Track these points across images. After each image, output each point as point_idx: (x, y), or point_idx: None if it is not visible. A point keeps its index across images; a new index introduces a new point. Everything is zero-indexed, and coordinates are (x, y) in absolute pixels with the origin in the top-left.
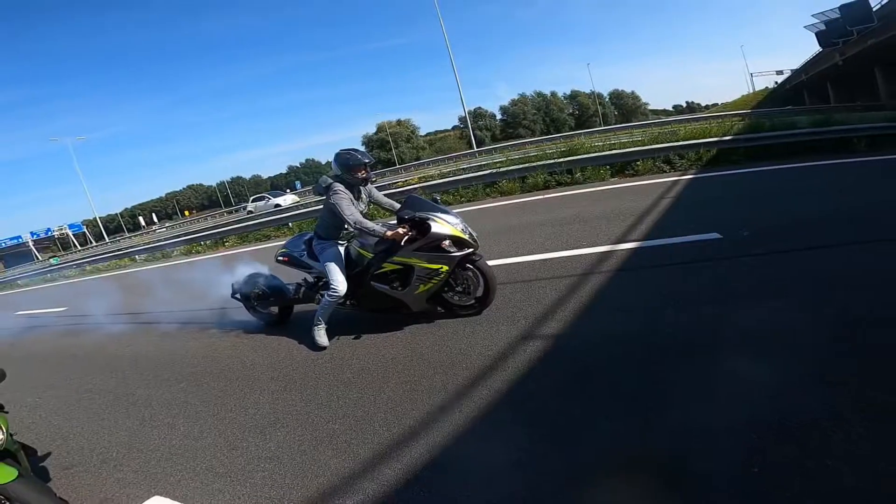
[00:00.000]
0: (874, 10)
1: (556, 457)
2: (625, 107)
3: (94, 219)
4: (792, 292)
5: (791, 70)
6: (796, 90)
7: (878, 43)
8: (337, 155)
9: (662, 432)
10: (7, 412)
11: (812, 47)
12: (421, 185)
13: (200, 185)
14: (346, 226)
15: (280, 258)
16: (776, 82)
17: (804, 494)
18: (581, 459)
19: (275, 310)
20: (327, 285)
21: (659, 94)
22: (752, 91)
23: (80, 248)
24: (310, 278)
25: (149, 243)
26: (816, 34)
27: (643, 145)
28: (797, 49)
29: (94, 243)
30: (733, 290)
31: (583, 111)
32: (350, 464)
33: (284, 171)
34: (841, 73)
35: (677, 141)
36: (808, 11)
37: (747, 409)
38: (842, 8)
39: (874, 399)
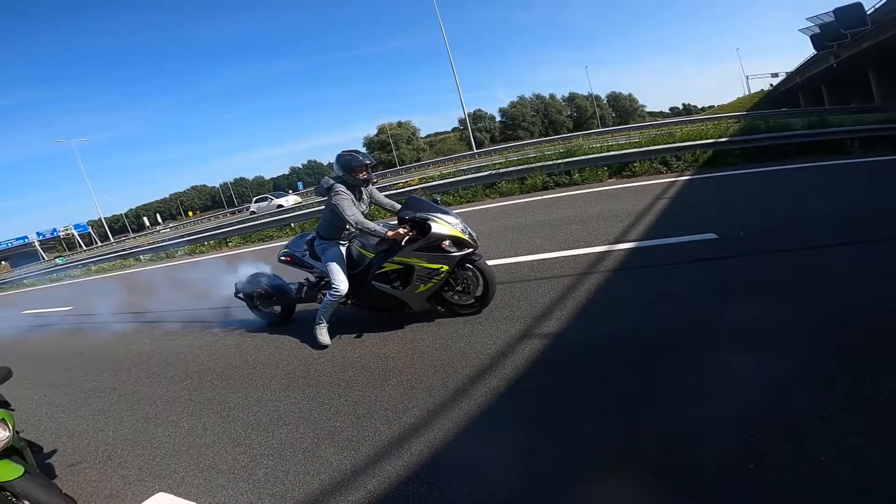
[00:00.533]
0: (868, 13)
1: (555, 452)
2: (622, 109)
3: (99, 219)
4: (787, 291)
5: (786, 73)
6: (791, 92)
7: (872, 46)
8: (338, 156)
9: (658, 429)
10: (13, 410)
11: (807, 50)
12: (421, 185)
13: (204, 185)
14: (347, 226)
15: (282, 258)
16: (771, 84)
17: (799, 490)
18: (579, 455)
19: (277, 309)
20: (329, 285)
21: (656, 96)
22: (747, 93)
23: (85, 248)
24: (312, 278)
25: (153, 243)
26: (811, 37)
27: (640, 147)
28: (792, 52)
29: (100, 243)
30: (728, 290)
31: (581, 113)
32: (352, 460)
33: (287, 172)
34: (835, 75)
35: (674, 142)
36: (803, 14)
37: (742, 406)
38: (836, 11)
39: (867, 396)
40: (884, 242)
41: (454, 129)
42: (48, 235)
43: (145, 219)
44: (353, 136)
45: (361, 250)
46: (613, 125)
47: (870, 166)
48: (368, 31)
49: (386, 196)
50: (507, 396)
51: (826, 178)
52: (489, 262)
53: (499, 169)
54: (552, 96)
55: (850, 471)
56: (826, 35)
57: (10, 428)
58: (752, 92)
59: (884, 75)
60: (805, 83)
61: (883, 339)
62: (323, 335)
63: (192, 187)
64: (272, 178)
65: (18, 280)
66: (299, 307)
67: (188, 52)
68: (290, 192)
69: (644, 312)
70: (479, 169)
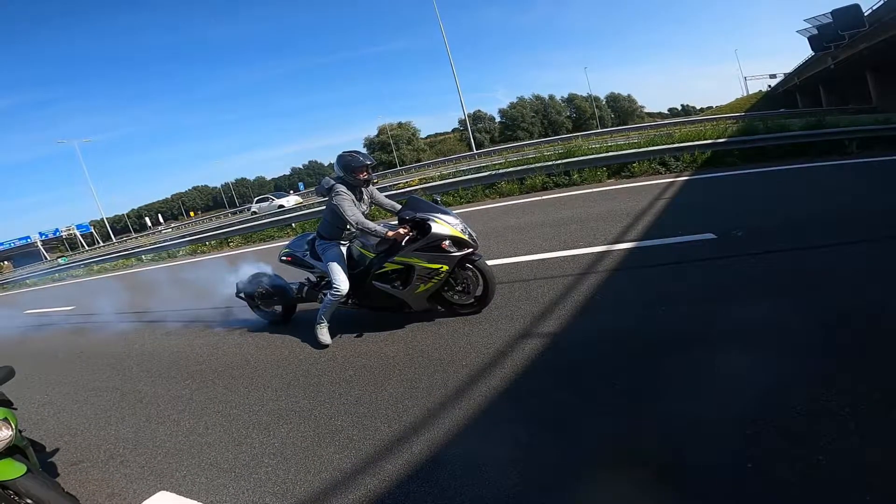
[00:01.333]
0: (865, 14)
1: (554, 451)
2: (621, 110)
3: (102, 219)
4: (784, 291)
5: (784, 74)
6: (789, 93)
7: (869, 47)
8: (339, 157)
9: (656, 428)
10: (16, 409)
11: (805, 51)
12: (421, 186)
13: (205, 186)
14: (348, 226)
15: (283, 258)
16: (769, 86)
17: (797, 489)
18: (577, 454)
19: (278, 309)
20: (329, 285)
21: (654, 97)
22: (745, 94)
23: (87, 247)
24: (312, 278)
25: (155, 243)
26: (809, 38)
27: (639, 147)
28: (790, 53)
29: (102, 243)
30: (727, 289)
31: (580, 114)
32: (352, 459)
33: (288, 172)
34: (833, 76)
35: (673, 143)
36: (802, 16)
37: (740, 405)
38: (834, 13)
39: (864, 394)
40: (883, 242)
41: (454, 130)
42: (50, 235)
43: (147, 219)
44: (354, 137)
45: (362, 250)
46: (612, 126)
47: (868, 166)
48: (369, 33)
49: (386, 196)
50: (507, 395)
51: (825, 179)
52: (489, 262)
53: (498, 169)
54: (551, 97)
55: (848, 470)
56: (824, 36)
57: (13, 427)
58: (750, 93)
59: (881, 76)
60: (803, 84)
61: (882, 339)
62: (323, 335)
63: (194, 187)
64: (273, 179)
65: (21, 280)
66: (300, 307)
67: (190, 52)
68: (291, 192)
69: (644, 312)
70: (478, 169)
